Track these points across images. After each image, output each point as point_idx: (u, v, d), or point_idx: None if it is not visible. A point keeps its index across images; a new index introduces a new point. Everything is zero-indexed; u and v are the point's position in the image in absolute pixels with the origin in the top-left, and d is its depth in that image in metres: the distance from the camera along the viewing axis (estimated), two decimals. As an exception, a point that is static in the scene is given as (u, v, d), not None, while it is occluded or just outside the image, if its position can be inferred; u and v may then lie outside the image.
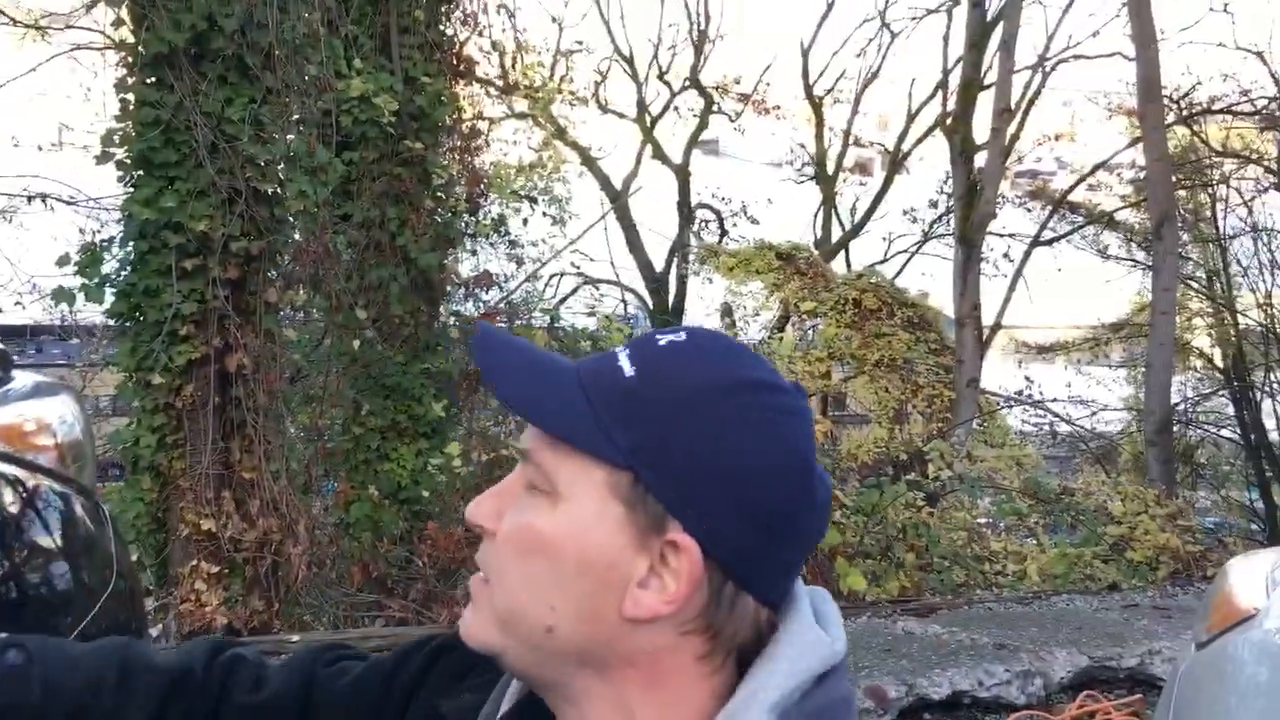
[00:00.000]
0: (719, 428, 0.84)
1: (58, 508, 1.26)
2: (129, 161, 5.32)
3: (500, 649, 0.90)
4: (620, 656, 0.87)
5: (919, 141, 19.11)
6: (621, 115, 17.26)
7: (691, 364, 0.87)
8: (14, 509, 1.16)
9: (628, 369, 0.87)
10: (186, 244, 5.28)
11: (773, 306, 15.51)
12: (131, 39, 5.22)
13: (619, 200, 15.75)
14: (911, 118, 19.01)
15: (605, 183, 16.12)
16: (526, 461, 0.89)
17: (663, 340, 0.90)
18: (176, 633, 5.58)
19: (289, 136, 5.59)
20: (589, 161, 15.16)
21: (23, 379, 1.31)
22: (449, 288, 8.00)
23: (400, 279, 7.31)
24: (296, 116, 5.65)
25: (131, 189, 5.33)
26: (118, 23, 5.28)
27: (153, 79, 5.23)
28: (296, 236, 6.14)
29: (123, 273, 5.46)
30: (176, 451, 5.71)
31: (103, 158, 5.25)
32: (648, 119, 17.38)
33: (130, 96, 5.26)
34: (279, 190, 5.53)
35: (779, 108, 18.78)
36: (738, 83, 18.44)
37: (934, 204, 18.11)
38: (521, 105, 12.07)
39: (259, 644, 4.19)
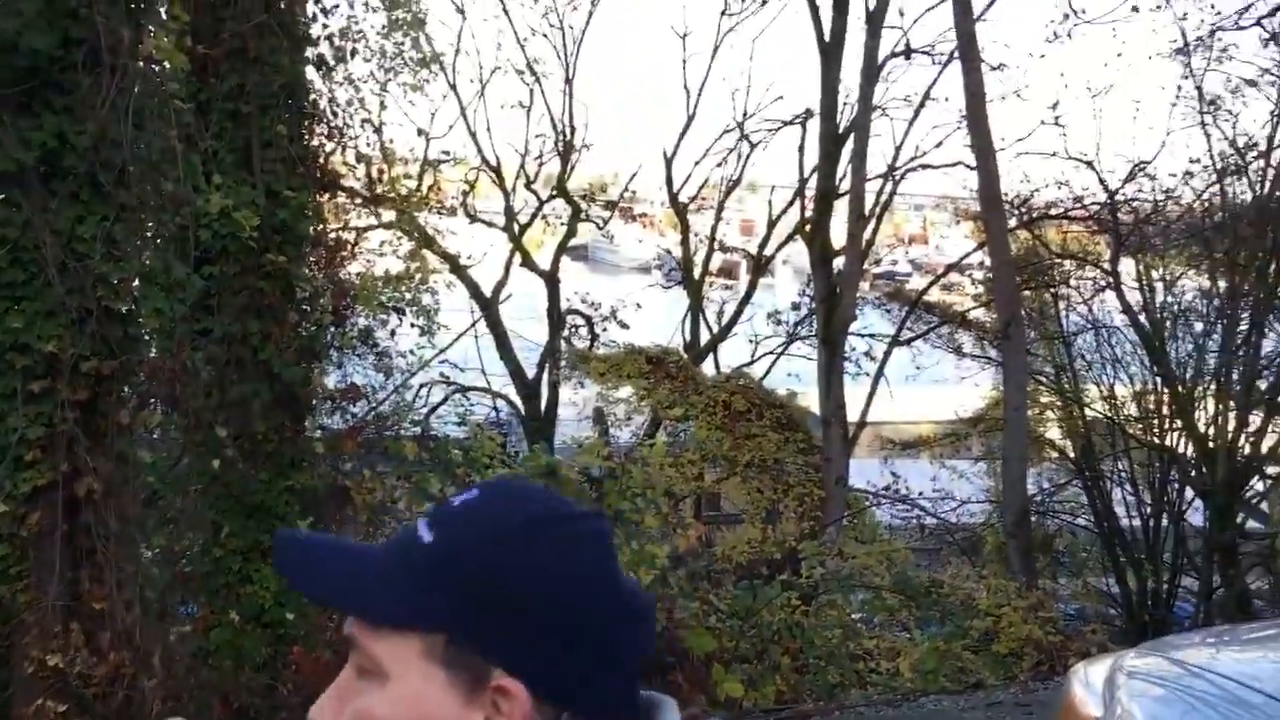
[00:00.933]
0: (515, 571, 0.88)
1: None
2: (-27, 281, 5.11)
3: None
4: None
5: (781, 246, 19.76)
6: (490, 224, 17.41)
7: (481, 517, 0.91)
8: None
9: (426, 535, 0.91)
10: (34, 365, 5.07)
11: (644, 411, 15.65)
12: (-23, 156, 5.07)
13: (489, 308, 15.78)
14: (772, 224, 19.67)
15: (475, 291, 16.15)
16: (354, 649, 0.91)
17: (457, 501, 0.94)
18: (17, 781, 5.21)
19: (144, 253, 5.47)
20: (458, 270, 15.20)
21: None
22: (315, 401, 7.84)
23: (264, 394, 7.14)
24: (152, 233, 5.54)
25: (-24, 309, 5.12)
26: (-38, 140, 5.12)
27: (0, 197, 5.08)
28: (152, 354, 5.96)
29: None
30: (21, 583, 5.39)
31: (-57, 278, 5.04)
32: (516, 227, 17.56)
33: (-24, 215, 5.08)
34: (133, 308, 5.38)
35: (645, 215, 19.23)
36: (604, 190, 18.85)
37: (797, 306, 18.66)
38: (389, 215, 12.08)
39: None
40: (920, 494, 15.42)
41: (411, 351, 9.19)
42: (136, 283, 5.42)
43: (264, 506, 7.26)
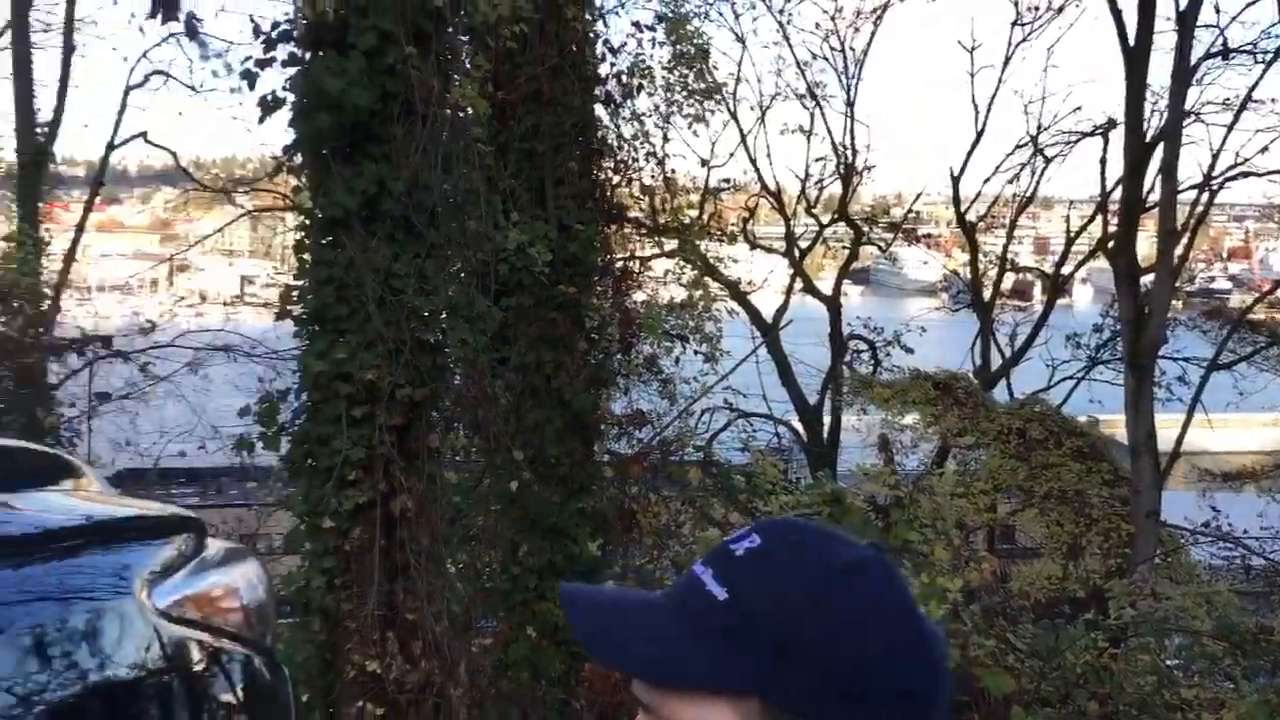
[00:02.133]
0: (818, 627, 0.85)
1: (240, 667, 1.32)
2: (305, 317, 5.64)
3: None
4: None
5: (1080, 264, 18.64)
6: (770, 249, 17.46)
7: (779, 571, 0.89)
8: (199, 669, 1.23)
9: (719, 593, 0.89)
10: (356, 393, 5.52)
11: (932, 438, 15.13)
12: (309, 203, 5.60)
13: (770, 334, 15.81)
14: (1071, 240, 18.60)
15: (756, 317, 16.22)
16: (648, 714, 0.90)
17: (740, 550, 0.91)
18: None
19: (450, 288, 5.85)
20: (739, 296, 15.32)
21: (215, 547, 1.40)
22: (603, 427, 8.11)
23: (556, 420, 7.46)
24: (457, 268, 5.92)
25: (307, 343, 5.64)
26: (297, 189, 5.68)
27: (327, 239, 5.58)
28: (457, 382, 6.36)
29: (297, 422, 5.74)
30: (345, 593, 5.87)
31: (281, 314, 5.59)
32: (797, 252, 17.52)
33: (307, 256, 5.61)
34: (441, 339, 5.76)
35: (930, 236, 18.68)
36: (886, 212, 18.47)
37: (1099, 328, 17.49)
38: (672, 244, 12.36)
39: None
40: (1245, 531, 14.02)
41: (695, 378, 9.35)
42: (444, 315, 5.81)
43: (557, 527, 7.57)
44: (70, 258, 12.09)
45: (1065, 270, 18.72)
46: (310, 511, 5.69)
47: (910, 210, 19.24)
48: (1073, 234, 18.45)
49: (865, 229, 17.80)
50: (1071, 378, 17.71)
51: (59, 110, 12.06)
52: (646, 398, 8.44)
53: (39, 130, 11.70)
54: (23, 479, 1.20)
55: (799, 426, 16.65)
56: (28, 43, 11.80)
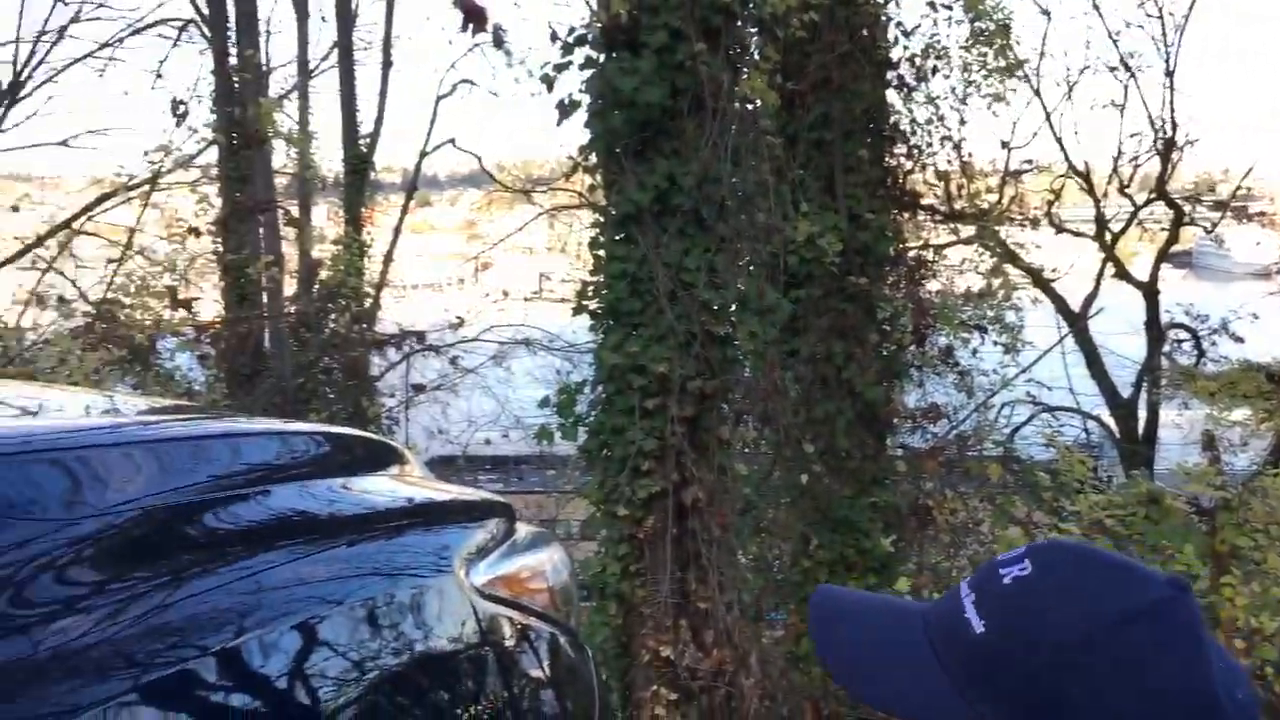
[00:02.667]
0: (1073, 681, 0.78)
1: (547, 644, 1.38)
2: (600, 311, 5.84)
3: None
4: None
5: None
6: (1078, 233, 16.41)
7: (1044, 610, 0.81)
8: (511, 644, 1.29)
9: (976, 624, 0.83)
10: (648, 385, 5.67)
11: (1264, 435, 13.72)
12: (603, 201, 5.80)
13: (1077, 323, 14.87)
14: None
15: (1061, 305, 15.30)
16: None
17: (1006, 577, 0.84)
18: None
19: (740, 280, 5.88)
20: (1043, 284, 14.50)
21: (523, 531, 1.47)
22: (896, 420, 7.92)
23: (847, 412, 7.36)
24: (746, 261, 5.94)
25: (602, 336, 5.85)
26: (592, 188, 5.89)
27: (620, 235, 5.75)
28: (746, 374, 6.39)
29: (593, 413, 5.97)
30: (638, 580, 6.04)
31: (578, 309, 5.83)
32: (1108, 235, 16.37)
33: (601, 252, 5.81)
34: (730, 332, 5.81)
35: (1263, 214, 16.95)
36: (1212, 189, 16.91)
37: None
38: (969, 231, 11.89)
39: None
40: None
41: (994, 370, 8.93)
42: (734, 308, 5.86)
43: (848, 521, 7.46)
44: (389, 258, 13.15)
45: None
46: (605, 499, 5.90)
47: (1240, 186, 17.52)
48: None
49: (1187, 208, 16.37)
50: None
51: (378, 122, 13.15)
52: (942, 391, 8.16)
53: (361, 141, 12.80)
54: (356, 465, 1.30)
55: (1110, 421, 15.55)
56: (351, 62, 12.93)
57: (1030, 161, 14.24)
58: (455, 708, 1.14)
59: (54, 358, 7.01)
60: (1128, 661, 0.78)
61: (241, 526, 1.04)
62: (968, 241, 11.63)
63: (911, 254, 8.44)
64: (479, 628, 1.22)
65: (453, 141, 13.81)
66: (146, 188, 9.88)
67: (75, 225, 9.92)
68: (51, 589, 0.85)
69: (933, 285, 8.36)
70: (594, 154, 5.74)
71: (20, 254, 9.49)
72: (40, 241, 9.62)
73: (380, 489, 1.27)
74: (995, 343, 8.28)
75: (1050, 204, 15.54)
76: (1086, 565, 0.84)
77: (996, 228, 10.67)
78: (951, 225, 11.13)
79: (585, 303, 5.77)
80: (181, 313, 9.69)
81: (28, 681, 0.77)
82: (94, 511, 0.90)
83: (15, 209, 10.09)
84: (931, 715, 0.83)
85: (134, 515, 0.95)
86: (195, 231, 10.13)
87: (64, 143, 10.20)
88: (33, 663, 0.78)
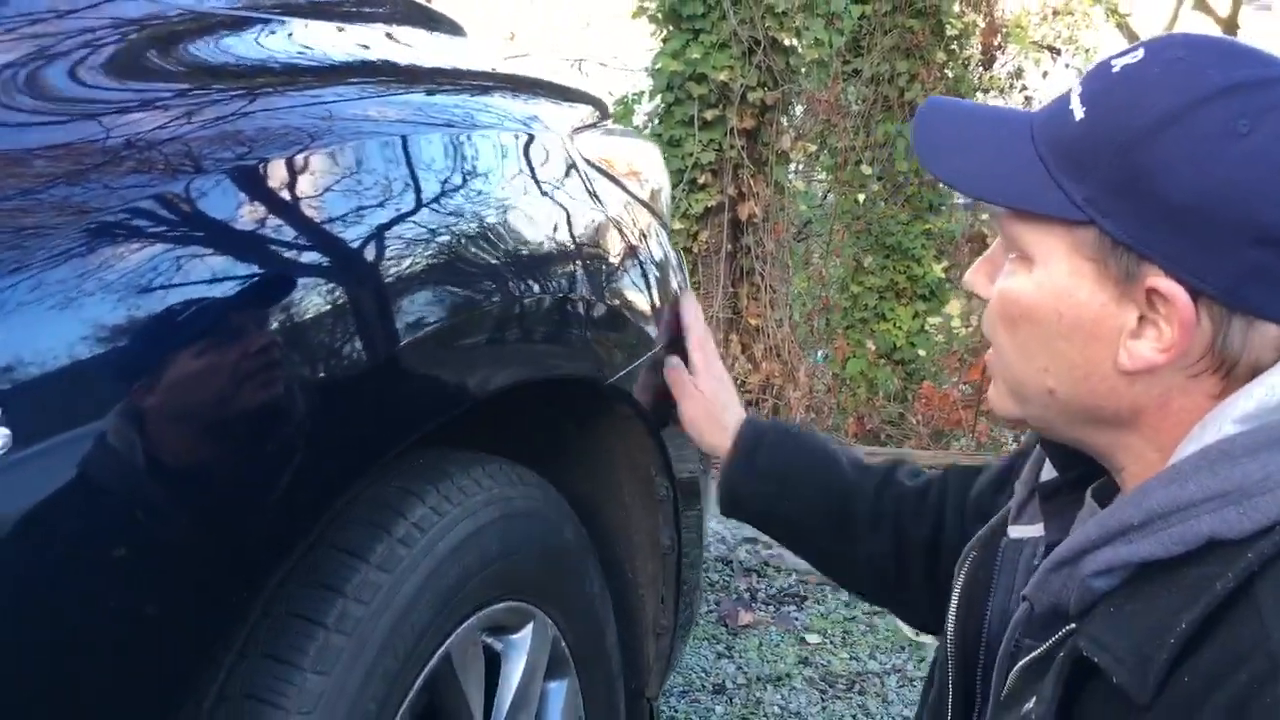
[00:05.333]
0: (1171, 159, 0.75)
1: (655, 232, 1.41)
2: (660, 16, 5.64)
3: (1019, 415, 0.91)
4: (1129, 409, 0.83)
5: None
6: (1160, -39, 15.41)
7: (1147, 90, 0.78)
8: (622, 217, 1.31)
9: (1078, 111, 0.81)
10: (708, 94, 5.54)
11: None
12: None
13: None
14: None
15: (1135, 40, 14.61)
16: (1000, 230, 0.87)
17: (1117, 66, 0.81)
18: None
19: (806, -16, 5.63)
20: (1117, 14, 13.77)
21: (617, 128, 1.47)
22: (956, 146, 7.73)
23: (907, 135, 7.17)
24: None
25: (661, 44, 5.67)
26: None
27: (683, -66, 5.48)
28: (808, 87, 6.22)
29: (650, 125, 5.87)
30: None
31: (637, 13, 5.63)
32: (1192, -36, 15.36)
33: (664, -47, 5.55)
34: (795, 40, 5.61)
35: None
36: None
37: None
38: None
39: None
40: None
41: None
42: (799, 15, 5.63)
43: (901, 247, 7.43)
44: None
45: None
46: (661, 214, 5.91)
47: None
48: None
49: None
50: None
51: None
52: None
53: None
54: (441, 25, 1.29)
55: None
56: None
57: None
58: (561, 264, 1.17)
59: None
60: (1213, 134, 0.75)
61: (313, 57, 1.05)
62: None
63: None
64: (590, 190, 1.23)
65: None
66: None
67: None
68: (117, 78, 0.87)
69: (1006, 5, 7.90)
70: None
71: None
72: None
73: (474, 51, 1.26)
74: (1068, 65, 7.91)
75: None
76: (1205, 46, 0.80)
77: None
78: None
79: (645, 5, 5.57)
80: None
81: (98, 163, 0.77)
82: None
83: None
84: (1026, 201, 0.82)
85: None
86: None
87: None
88: (102, 146, 0.79)
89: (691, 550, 1.52)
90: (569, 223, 1.16)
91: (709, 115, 5.57)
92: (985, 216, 7.85)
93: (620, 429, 1.37)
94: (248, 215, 0.83)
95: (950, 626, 1.00)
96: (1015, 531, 0.99)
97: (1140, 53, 0.81)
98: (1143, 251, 0.77)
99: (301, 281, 0.84)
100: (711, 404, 1.33)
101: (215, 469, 0.78)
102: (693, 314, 1.41)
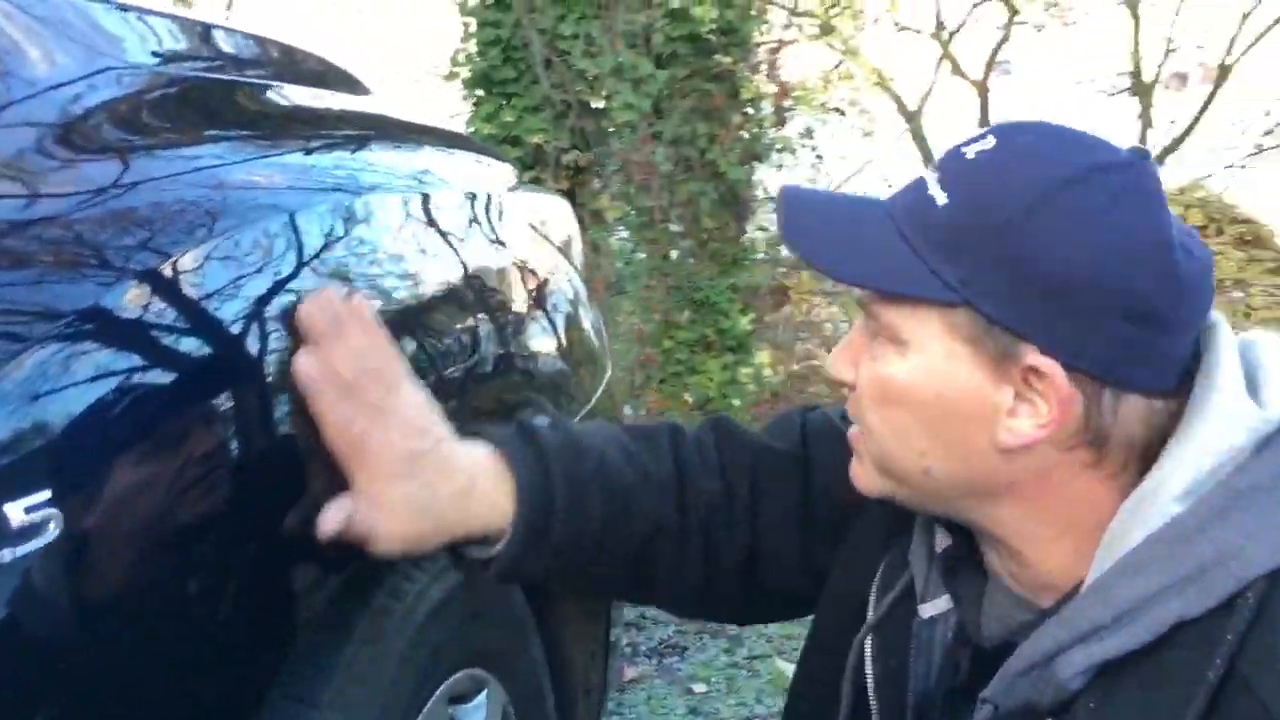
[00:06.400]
0: (1047, 239, 0.79)
1: (572, 280, 1.40)
2: (471, 80, 5.67)
3: (889, 492, 0.91)
4: (1005, 484, 0.85)
5: (1256, 41, 17.26)
6: (918, 31, 16.63)
7: (1011, 174, 0.83)
8: (550, 268, 1.29)
9: (940, 197, 0.85)
10: (523, 156, 5.59)
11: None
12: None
13: (913, 120, 15.26)
14: (1246, 16, 17.17)
15: (899, 103, 15.65)
16: (866, 310, 0.88)
17: (970, 152, 0.86)
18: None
19: (614, 49, 5.78)
20: (882, 81, 14.73)
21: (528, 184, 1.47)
22: (755, 204, 8.04)
23: (710, 194, 7.42)
24: (621, 28, 5.82)
25: (474, 106, 5.69)
26: (459, -50, 5.61)
27: (492, 1, 5.54)
28: (619, 148, 6.35)
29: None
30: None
31: (449, 77, 5.63)
32: (945, 34, 16.65)
33: (472, 19, 5.59)
34: (606, 103, 5.74)
35: (1089, 14, 17.48)
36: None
37: (1268, 113, 16.35)
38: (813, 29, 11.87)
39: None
40: None
41: (843, 158, 9.10)
42: (609, 80, 5.77)
43: (709, 301, 7.64)
44: None
45: (1235, 52, 17.36)
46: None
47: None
48: (1247, 10, 17.01)
49: (1018, 5, 16.73)
50: (1233, 166, 16.67)
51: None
52: (801, 174, 8.30)
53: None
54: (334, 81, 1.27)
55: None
56: None
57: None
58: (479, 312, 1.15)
59: None
60: (1082, 212, 0.79)
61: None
62: (815, 38, 11.62)
63: (771, 42, 8.40)
64: (528, 244, 1.23)
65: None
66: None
67: None
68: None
69: (788, 72, 8.34)
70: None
71: None
72: None
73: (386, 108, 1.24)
74: (853, 126, 8.41)
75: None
76: (1051, 134, 0.86)
77: (838, 25, 10.66)
78: (793, 22, 11.06)
79: (456, 70, 5.58)
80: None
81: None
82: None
83: None
84: (903, 285, 0.84)
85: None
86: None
87: None
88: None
89: (619, 603, 1.51)
90: (526, 279, 1.16)
91: (526, 177, 5.61)
92: (784, 269, 8.21)
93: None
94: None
95: (876, 713, 0.98)
96: (927, 611, 0.97)
97: (991, 139, 0.86)
98: (1019, 330, 0.80)
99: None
100: (419, 508, 0.90)
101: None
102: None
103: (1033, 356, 0.80)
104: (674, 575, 1.05)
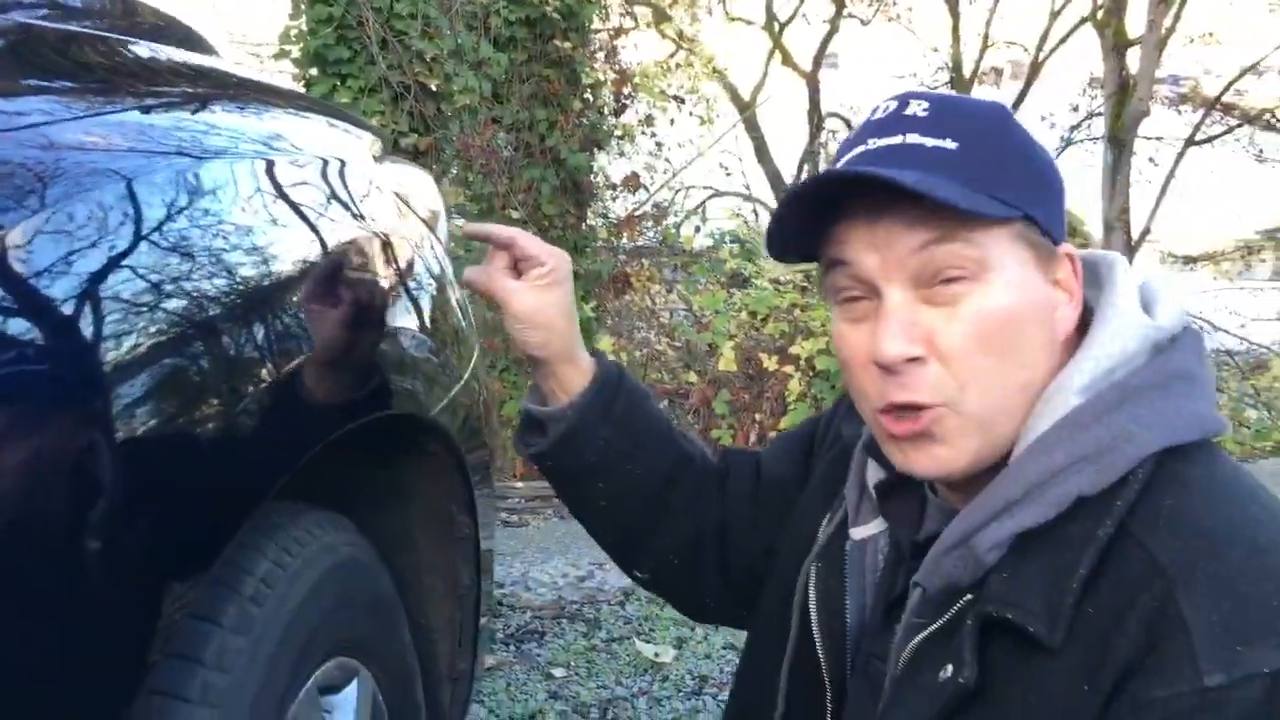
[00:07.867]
0: (1032, 148, 0.95)
1: (438, 254, 1.36)
2: (302, 58, 5.47)
3: (980, 456, 0.90)
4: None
5: (1065, 39, 18.29)
6: (749, 22, 16.95)
7: (978, 116, 0.94)
8: (414, 238, 1.25)
9: (948, 144, 0.91)
10: (360, 139, 5.43)
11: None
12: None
13: (746, 110, 15.55)
14: (1056, 14, 18.17)
15: (734, 94, 15.92)
16: (938, 244, 0.88)
17: (917, 112, 0.92)
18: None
19: (456, 31, 5.67)
20: (716, 71, 14.97)
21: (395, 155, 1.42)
22: (595, 191, 8.04)
23: (550, 180, 7.39)
24: (460, 9, 5.72)
25: (306, 87, 5.49)
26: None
27: (325, -22, 5.36)
28: (458, 133, 6.24)
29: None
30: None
31: (279, 55, 5.41)
32: (776, 26, 17.03)
33: (304, -6, 5.40)
34: (445, 85, 5.63)
35: (911, 10, 18.16)
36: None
37: (1075, 108, 17.37)
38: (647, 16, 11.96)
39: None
40: (1201, 313, 14.43)
41: (691, 142, 9.18)
42: (448, 62, 5.66)
43: (551, 289, 7.63)
44: None
45: (1047, 48, 18.36)
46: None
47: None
48: (1057, 8, 18.02)
49: (844, 2, 17.25)
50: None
51: None
52: (641, 163, 8.33)
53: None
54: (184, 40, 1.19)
55: (774, 204, 16.60)
56: None
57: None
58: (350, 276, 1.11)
59: None
60: (1023, 127, 0.97)
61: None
62: (649, 25, 11.71)
63: (610, 28, 8.42)
64: (394, 214, 1.18)
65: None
66: None
67: None
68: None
69: (627, 59, 8.37)
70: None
71: None
72: None
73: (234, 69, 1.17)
74: (691, 113, 8.51)
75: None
76: (934, 96, 0.99)
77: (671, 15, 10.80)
78: (628, 10, 11.13)
79: (287, 48, 5.37)
80: None
81: None
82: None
83: None
84: (993, 210, 0.92)
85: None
86: None
87: None
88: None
89: (487, 589, 1.48)
90: (387, 252, 1.11)
91: (362, 161, 5.46)
92: (624, 258, 8.23)
93: (424, 467, 1.31)
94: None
95: (818, 635, 1.06)
96: (858, 533, 1.06)
97: (923, 102, 0.94)
98: (1054, 230, 0.92)
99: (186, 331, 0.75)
100: (560, 305, 1.17)
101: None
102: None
103: (1062, 249, 0.93)
104: (691, 507, 1.19)
